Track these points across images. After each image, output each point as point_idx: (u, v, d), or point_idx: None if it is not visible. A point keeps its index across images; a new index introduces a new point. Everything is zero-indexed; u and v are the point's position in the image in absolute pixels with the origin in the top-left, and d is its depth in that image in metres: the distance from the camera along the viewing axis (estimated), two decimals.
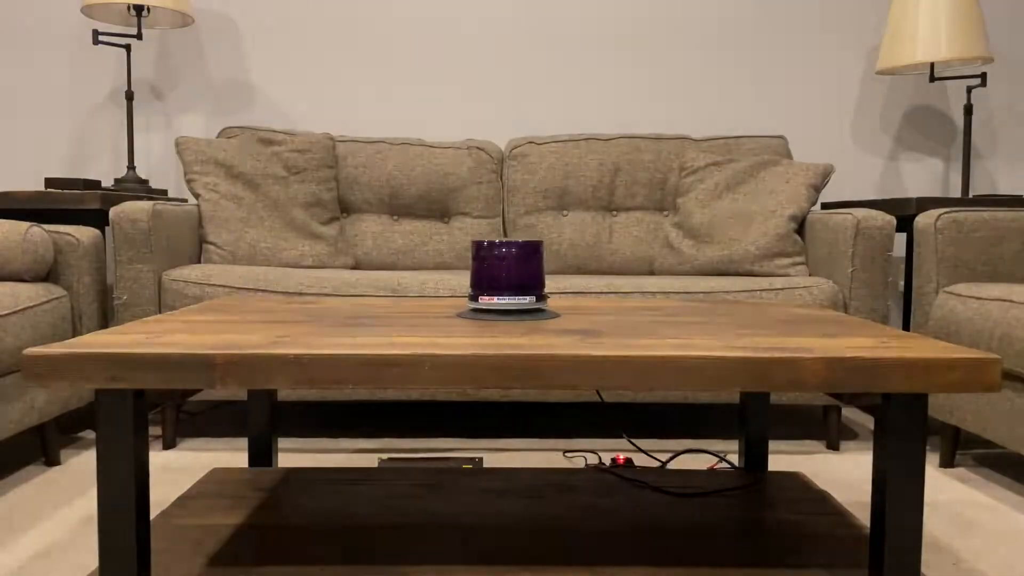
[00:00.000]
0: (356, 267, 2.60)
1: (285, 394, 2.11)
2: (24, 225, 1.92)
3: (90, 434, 2.24)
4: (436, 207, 2.64)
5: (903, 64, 2.59)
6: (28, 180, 2.88)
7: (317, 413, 2.50)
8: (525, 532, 1.28)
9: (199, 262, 2.37)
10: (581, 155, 2.62)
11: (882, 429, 1.03)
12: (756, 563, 1.18)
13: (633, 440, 2.21)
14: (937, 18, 2.54)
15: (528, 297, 1.26)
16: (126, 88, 2.73)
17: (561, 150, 2.63)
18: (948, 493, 1.81)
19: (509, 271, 1.25)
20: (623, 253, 2.59)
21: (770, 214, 2.37)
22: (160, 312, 2.09)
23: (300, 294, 2.07)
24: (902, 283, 2.95)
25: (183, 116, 2.89)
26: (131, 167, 2.68)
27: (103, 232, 2.18)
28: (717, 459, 2.03)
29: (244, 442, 2.17)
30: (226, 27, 2.87)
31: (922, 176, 2.95)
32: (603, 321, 1.24)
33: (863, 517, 1.65)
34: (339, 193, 2.61)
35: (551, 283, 2.14)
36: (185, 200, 2.58)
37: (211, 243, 2.34)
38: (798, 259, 2.34)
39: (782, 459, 2.05)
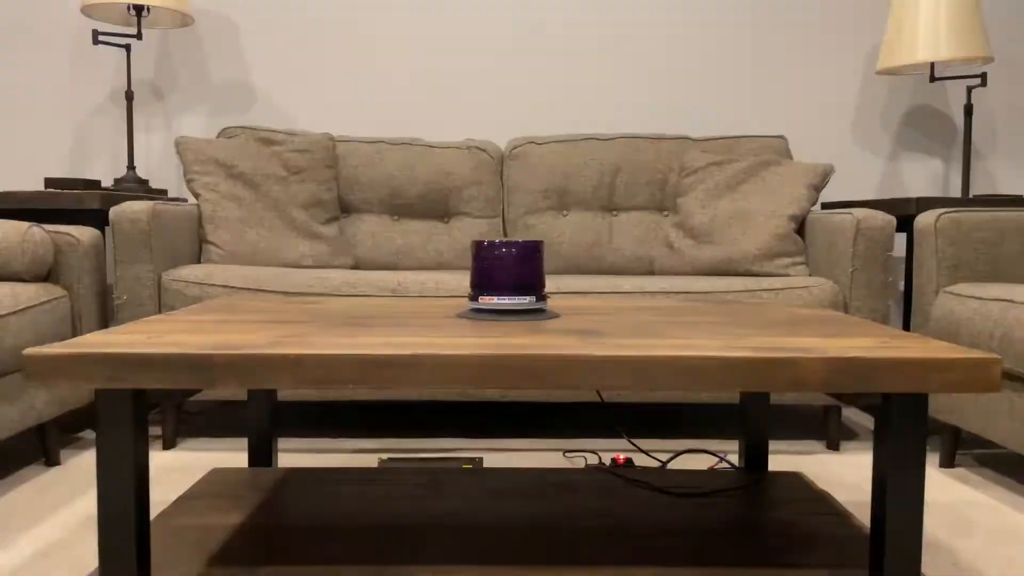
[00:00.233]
0: (356, 267, 2.60)
1: (285, 394, 2.11)
2: (24, 225, 1.92)
3: (90, 434, 2.24)
4: (436, 207, 2.64)
5: (903, 64, 2.59)
6: (28, 180, 2.88)
7: (317, 413, 2.50)
8: (525, 532, 1.28)
9: (199, 262, 2.37)
10: (581, 155, 2.62)
11: (882, 429, 1.03)
12: (756, 563, 1.18)
13: (633, 440, 2.21)
14: (937, 18, 2.54)
15: (528, 297, 1.26)
16: (126, 88, 2.73)
17: (561, 150, 2.63)
18: (948, 493, 1.81)
19: (509, 271, 1.25)
20: (623, 253, 2.59)
21: (770, 214, 2.37)
22: (160, 312, 2.09)
23: (300, 294, 2.07)
24: (902, 283, 2.95)
25: (183, 116, 2.89)
26: (131, 167, 2.68)
27: (103, 232, 2.18)
28: (717, 459, 2.03)
29: (244, 442, 2.17)
30: (226, 27, 2.87)
31: (922, 176, 2.95)
32: (603, 321, 1.24)
33: (863, 517, 1.65)
34: (339, 193, 2.61)
35: (551, 283, 2.14)
36: (185, 200, 2.58)
37: (211, 243, 2.34)
38: (798, 259, 2.34)
39: (782, 459, 2.05)
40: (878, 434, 1.04)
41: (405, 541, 1.24)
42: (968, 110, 2.68)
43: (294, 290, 2.07)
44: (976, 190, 2.96)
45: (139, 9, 2.55)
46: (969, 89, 2.69)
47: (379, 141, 2.65)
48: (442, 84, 2.90)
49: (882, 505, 1.02)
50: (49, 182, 2.31)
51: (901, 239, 2.94)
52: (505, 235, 2.68)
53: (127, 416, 0.99)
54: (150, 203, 2.07)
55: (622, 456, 1.92)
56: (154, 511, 1.62)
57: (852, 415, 2.58)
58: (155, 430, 2.25)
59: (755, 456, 1.61)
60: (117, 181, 2.61)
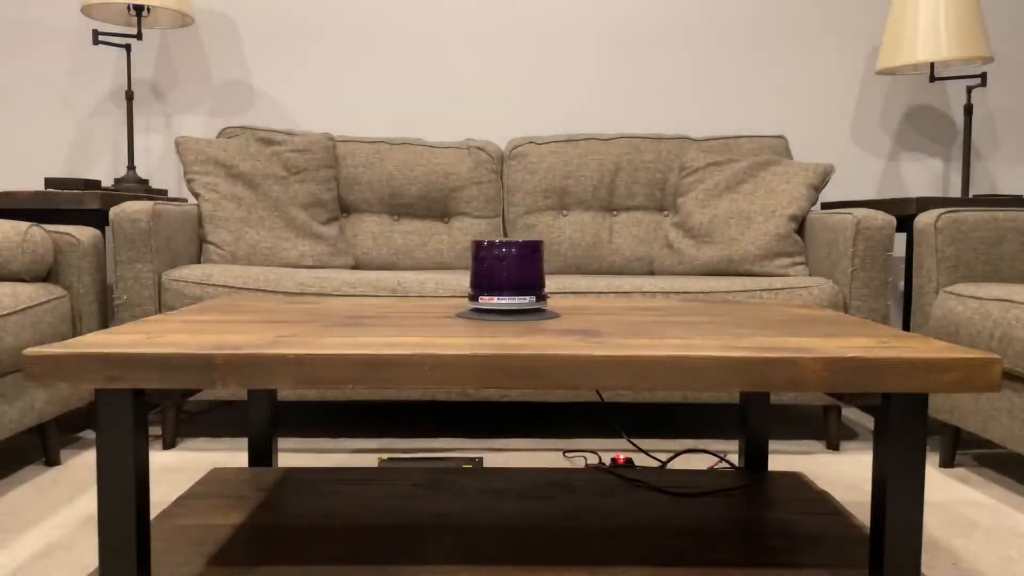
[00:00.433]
0: (356, 267, 2.60)
1: (285, 394, 2.11)
2: (24, 225, 1.92)
3: (90, 434, 2.24)
4: (436, 207, 2.64)
5: (903, 64, 2.59)
6: (28, 180, 2.88)
7: (317, 413, 2.50)
8: (525, 532, 1.28)
9: (199, 262, 2.37)
10: (581, 155, 2.62)
11: (882, 429, 1.03)
12: (756, 563, 1.18)
13: (633, 440, 2.21)
14: (937, 18, 2.54)
15: (528, 297, 1.26)
16: (126, 88, 2.73)
17: (561, 150, 2.63)
18: (948, 493, 1.81)
19: (509, 271, 1.25)
20: (623, 253, 2.59)
21: (770, 214, 2.37)
22: (160, 312, 2.09)
23: (300, 294, 2.07)
24: (902, 283, 2.96)
25: (183, 116, 2.89)
26: (131, 167, 2.68)
27: (103, 232, 2.18)
28: (717, 459, 2.03)
29: (244, 442, 2.17)
30: (226, 27, 2.87)
31: (922, 176, 2.95)
32: (603, 321, 1.24)
33: (863, 517, 1.65)
34: (339, 193, 2.61)
35: (551, 283, 2.14)
36: (185, 200, 2.58)
37: (211, 243, 2.34)
38: (798, 259, 2.34)
39: (782, 459, 2.05)
40: (878, 434, 1.04)
41: (405, 541, 1.24)
42: (968, 110, 2.68)
43: (294, 290, 2.07)
44: (976, 190, 2.96)
45: (139, 9, 2.55)
46: (969, 89, 2.69)
47: (379, 141, 2.66)
48: (442, 84, 2.90)
49: (882, 505, 1.02)
50: (49, 182, 2.31)
51: (901, 239, 2.94)
52: (505, 235, 2.68)
53: (127, 416, 0.99)
54: (150, 203, 2.07)
55: (622, 456, 1.92)
56: (154, 511, 1.62)
57: (852, 415, 2.58)
58: (155, 430, 2.25)
59: (755, 456, 1.61)
60: (117, 181, 2.61)
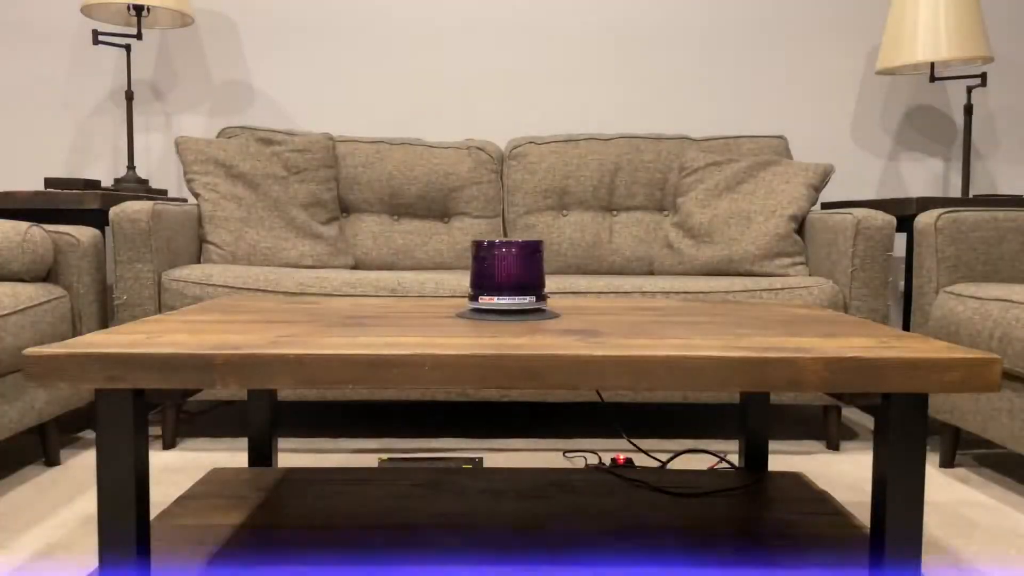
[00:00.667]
0: (356, 267, 2.60)
1: (285, 394, 2.11)
2: (24, 225, 1.92)
3: (90, 434, 2.24)
4: (436, 207, 2.64)
5: (903, 64, 2.59)
6: (28, 180, 2.88)
7: (317, 413, 2.50)
8: (525, 532, 1.28)
9: (199, 262, 2.37)
10: (581, 155, 2.62)
11: (882, 429, 1.03)
12: (756, 563, 1.18)
13: (633, 440, 2.21)
14: (937, 18, 2.54)
15: (528, 297, 1.26)
16: (126, 88, 2.73)
17: (561, 150, 2.63)
18: (948, 493, 1.81)
19: (509, 271, 1.25)
20: (623, 253, 2.59)
21: (770, 214, 2.37)
22: (160, 312, 2.09)
23: (300, 294, 2.07)
24: (902, 283, 2.96)
25: (183, 116, 2.89)
26: (131, 167, 2.68)
27: (103, 232, 2.18)
28: (717, 459, 2.03)
29: (244, 442, 2.17)
30: (226, 27, 2.87)
31: (922, 176, 2.95)
32: (603, 321, 1.24)
33: (863, 517, 1.65)
34: (339, 193, 2.61)
35: (551, 283, 2.14)
36: (185, 200, 2.58)
37: (211, 243, 2.34)
38: (798, 259, 2.34)
39: (782, 459, 2.05)
40: (878, 434, 1.04)
41: (405, 541, 1.24)
42: (968, 110, 2.68)
43: (294, 290, 2.07)
44: (976, 190, 2.96)
45: (139, 9, 2.55)
46: (969, 89, 2.69)
47: (379, 141, 2.66)
48: (442, 84, 2.90)
49: (882, 505, 1.02)
50: (49, 182, 2.31)
51: (901, 239, 2.94)
52: (505, 235, 2.68)
53: (127, 416, 0.99)
54: (150, 203, 2.07)
55: (622, 456, 1.92)
56: (154, 511, 1.62)
57: (852, 415, 2.58)
58: (155, 430, 2.25)
59: (755, 456, 1.61)
60: (117, 181, 2.61)
